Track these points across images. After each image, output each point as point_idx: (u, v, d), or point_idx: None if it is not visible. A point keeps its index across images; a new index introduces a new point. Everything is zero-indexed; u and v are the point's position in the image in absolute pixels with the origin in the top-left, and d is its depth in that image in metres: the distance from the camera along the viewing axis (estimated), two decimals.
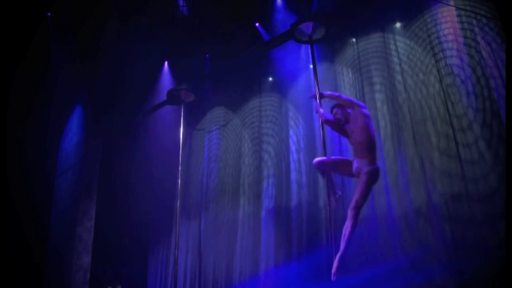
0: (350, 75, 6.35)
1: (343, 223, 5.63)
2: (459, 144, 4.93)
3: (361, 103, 4.35)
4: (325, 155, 4.53)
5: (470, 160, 4.82)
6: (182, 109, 6.58)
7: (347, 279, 5.06)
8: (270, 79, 7.54)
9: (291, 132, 6.85)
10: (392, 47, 5.97)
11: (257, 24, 7.20)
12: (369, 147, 4.12)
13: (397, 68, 5.83)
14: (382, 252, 5.24)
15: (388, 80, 5.88)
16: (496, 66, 4.80)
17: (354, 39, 6.43)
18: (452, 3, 5.41)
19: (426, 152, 5.23)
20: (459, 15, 5.30)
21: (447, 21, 5.42)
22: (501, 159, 4.49)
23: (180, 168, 6.35)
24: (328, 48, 6.68)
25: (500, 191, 4.38)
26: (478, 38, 5.04)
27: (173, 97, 6.73)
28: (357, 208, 4.05)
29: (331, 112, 4.47)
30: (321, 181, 5.89)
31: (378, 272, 5.03)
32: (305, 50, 6.88)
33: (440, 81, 5.31)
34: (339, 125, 4.41)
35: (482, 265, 4.36)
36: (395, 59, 5.88)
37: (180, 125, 6.52)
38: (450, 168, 4.96)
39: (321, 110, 4.47)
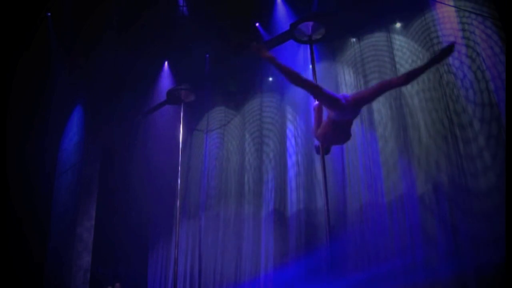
0: (351, 74, 6.35)
1: (342, 224, 5.68)
2: (459, 141, 4.96)
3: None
4: (322, 157, 4.56)
5: (470, 155, 4.84)
6: (182, 109, 6.58)
7: (347, 279, 5.08)
8: (270, 79, 7.53)
9: (289, 133, 6.85)
10: (393, 46, 5.97)
11: (257, 24, 7.20)
12: None
13: (398, 67, 5.83)
14: (383, 251, 5.24)
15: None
16: (495, 66, 4.80)
17: (354, 39, 6.43)
18: (452, 3, 5.41)
19: (427, 151, 5.23)
20: (459, 15, 5.30)
21: (447, 21, 5.43)
22: (500, 154, 4.51)
23: (180, 168, 6.35)
24: (329, 48, 6.67)
25: (500, 186, 4.39)
26: (478, 38, 5.03)
27: (173, 97, 6.73)
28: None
29: None
30: (319, 182, 5.91)
31: (378, 272, 5.03)
32: (305, 50, 6.87)
33: (440, 80, 5.32)
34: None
35: (483, 264, 4.36)
36: (396, 59, 5.88)
37: (180, 125, 6.51)
38: (451, 165, 4.97)
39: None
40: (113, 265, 7.71)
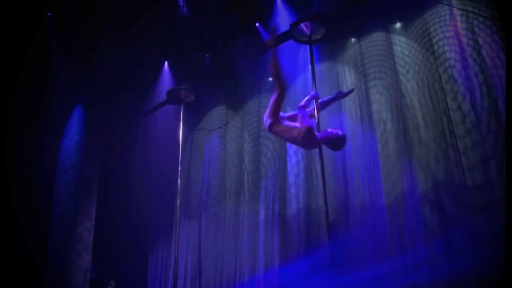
0: (352, 74, 6.35)
1: (341, 223, 5.69)
2: (458, 139, 4.97)
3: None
4: (321, 157, 4.59)
5: (469, 151, 4.87)
6: (182, 109, 6.58)
7: (347, 279, 5.08)
8: (270, 79, 7.52)
9: None
10: (393, 47, 5.98)
11: (257, 24, 7.20)
12: None
13: (398, 67, 5.84)
14: (383, 251, 5.24)
15: (389, 79, 5.89)
16: (495, 65, 4.81)
17: (354, 39, 6.44)
18: (452, 3, 5.41)
19: (427, 150, 5.23)
20: (459, 15, 5.31)
21: (447, 21, 5.43)
22: (500, 151, 4.55)
23: (180, 168, 6.35)
24: (329, 48, 6.67)
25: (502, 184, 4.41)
26: (478, 38, 5.04)
27: (173, 97, 6.73)
28: None
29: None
30: (319, 182, 5.90)
31: (378, 272, 5.04)
32: (305, 50, 6.87)
33: (440, 80, 5.32)
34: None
35: (483, 263, 4.37)
36: (396, 59, 5.89)
37: (180, 125, 6.52)
38: (451, 164, 4.99)
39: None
40: (113, 265, 7.71)
